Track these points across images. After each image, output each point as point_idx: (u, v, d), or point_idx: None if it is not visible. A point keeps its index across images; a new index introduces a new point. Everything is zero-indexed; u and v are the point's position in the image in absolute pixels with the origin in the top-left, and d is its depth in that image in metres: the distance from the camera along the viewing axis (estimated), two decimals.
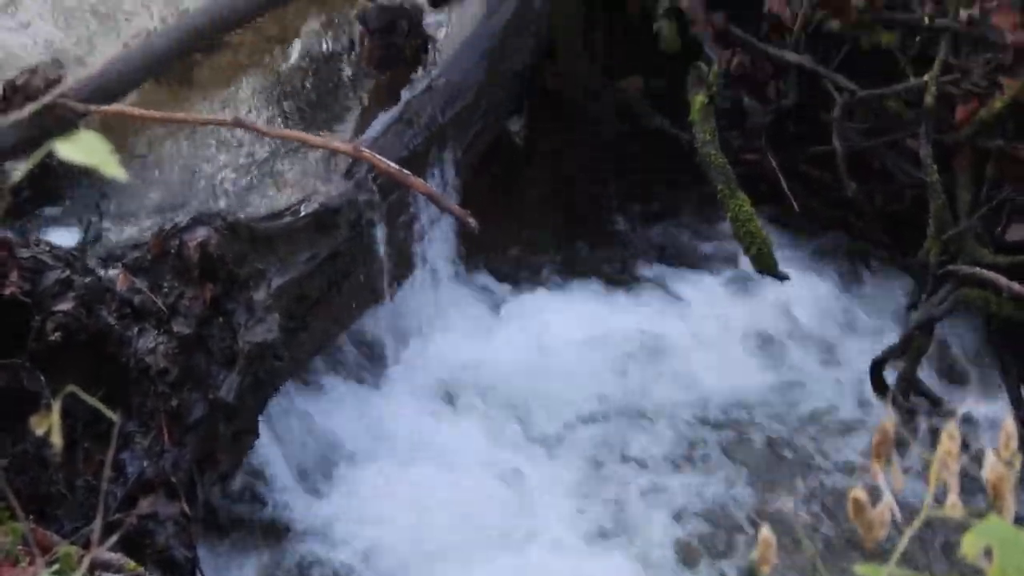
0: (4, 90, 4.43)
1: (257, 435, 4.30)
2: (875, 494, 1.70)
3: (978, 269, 4.65)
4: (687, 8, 5.04)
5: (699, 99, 4.96)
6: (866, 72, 4.99)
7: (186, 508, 3.95)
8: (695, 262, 5.34)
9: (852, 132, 5.00)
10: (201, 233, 4.16)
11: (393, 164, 4.38)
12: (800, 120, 5.14)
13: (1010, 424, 1.71)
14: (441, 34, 5.01)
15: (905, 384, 4.80)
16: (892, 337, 4.94)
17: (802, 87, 5.07)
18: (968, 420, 4.70)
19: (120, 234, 4.36)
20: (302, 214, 4.45)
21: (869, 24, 4.95)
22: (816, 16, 5.00)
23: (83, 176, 4.43)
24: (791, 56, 5.03)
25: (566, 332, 5.05)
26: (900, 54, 4.94)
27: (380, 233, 4.66)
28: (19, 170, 4.26)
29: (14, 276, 3.82)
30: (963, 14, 4.79)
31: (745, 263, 5.01)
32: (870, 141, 5.04)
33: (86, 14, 5.11)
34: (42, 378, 3.82)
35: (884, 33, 4.94)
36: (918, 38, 4.91)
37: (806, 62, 5.01)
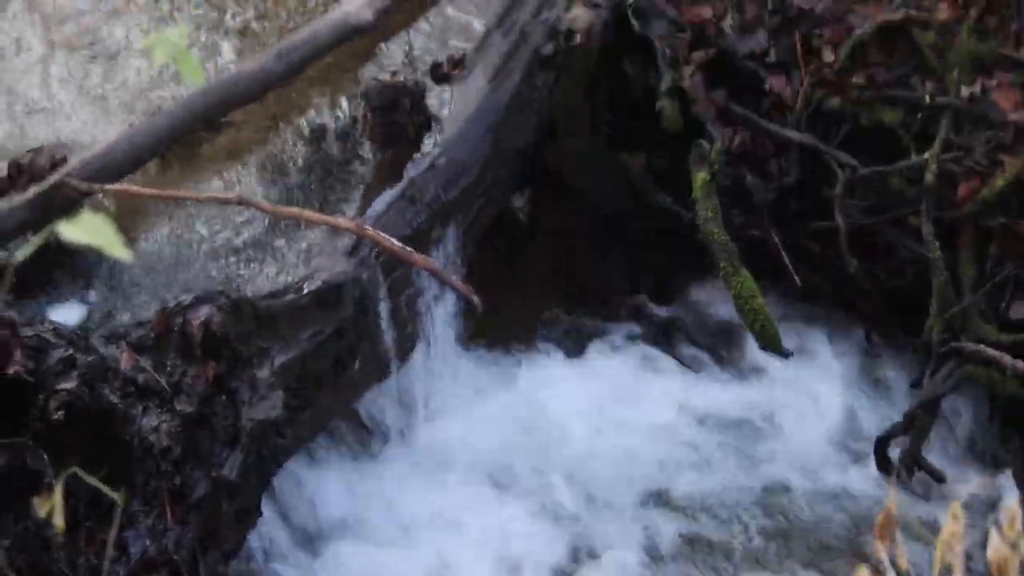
0: (8, 170, 4.45)
1: (260, 513, 4.29)
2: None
3: (982, 347, 4.64)
4: (689, 87, 5.06)
5: (701, 176, 4.98)
6: (868, 149, 5.00)
7: None
8: (699, 338, 5.33)
9: (854, 209, 5.01)
10: (204, 311, 4.17)
11: (396, 241, 4.39)
12: (802, 197, 5.14)
13: (1015, 504, 1.70)
14: (444, 111, 5.03)
15: (910, 461, 4.78)
16: (896, 414, 4.93)
17: (804, 164, 5.07)
18: (973, 499, 4.69)
19: (124, 312, 4.37)
20: (305, 291, 4.45)
21: (870, 102, 4.97)
22: (817, 94, 5.02)
23: (89, 253, 4.44)
24: (792, 134, 5.04)
25: (575, 407, 5.05)
26: (902, 131, 4.96)
27: (384, 309, 4.66)
28: (23, 250, 4.28)
29: (18, 355, 3.83)
30: (964, 92, 4.82)
31: (748, 340, 5.01)
32: (872, 218, 5.04)
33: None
34: (45, 457, 3.81)
35: (885, 111, 4.96)
36: (919, 115, 4.93)
37: (807, 139, 5.02)
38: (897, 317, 5.15)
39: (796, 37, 5.07)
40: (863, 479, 4.92)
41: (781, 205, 5.13)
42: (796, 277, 5.05)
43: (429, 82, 5.12)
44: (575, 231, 5.42)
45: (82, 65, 5.21)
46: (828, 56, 4.99)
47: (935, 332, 4.79)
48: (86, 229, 1.90)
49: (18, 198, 4.31)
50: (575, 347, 5.28)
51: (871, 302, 5.17)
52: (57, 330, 4.01)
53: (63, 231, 1.88)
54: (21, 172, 4.43)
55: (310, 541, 4.59)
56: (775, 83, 5.05)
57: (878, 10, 5.02)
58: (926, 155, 4.80)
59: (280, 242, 4.68)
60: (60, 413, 3.84)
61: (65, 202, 4.35)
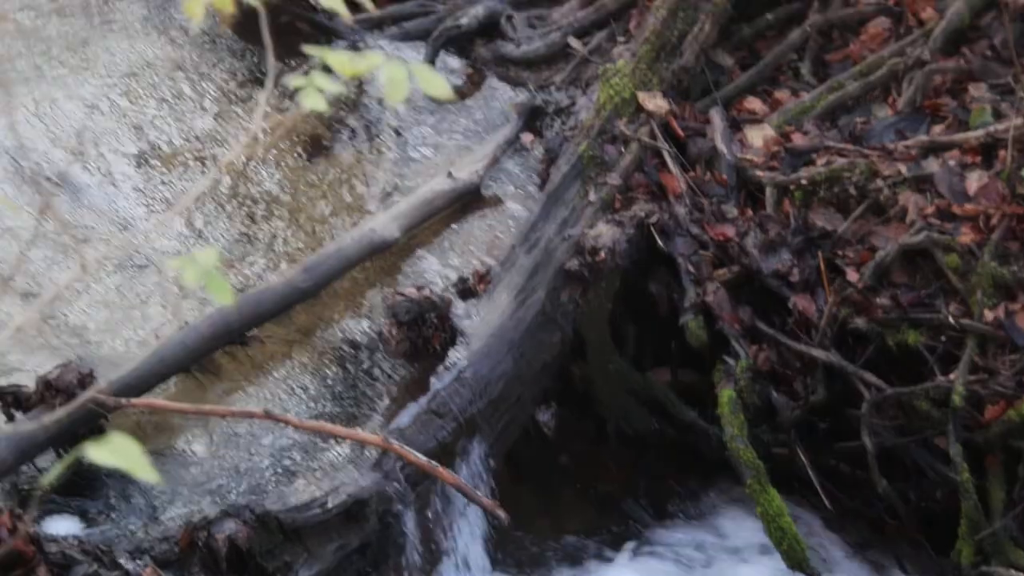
0: (37, 386, 4.49)
1: None
2: None
3: (1013, 572, 4.58)
4: (713, 303, 5.08)
5: (727, 393, 4.97)
6: (894, 369, 4.99)
7: None
8: (728, 560, 5.27)
9: (882, 428, 4.98)
10: (229, 526, 4.16)
11: (421, 455, 4.39)
12: (829, 415, 5.12)
13: None
14: (469, 325, 5.05)
15: None
16: None
17: (830, 383, 5.06)
18: None
19: (149, 526, 4.36)
20: (330, 506, 4.44)
21: (895, 322, 4.96)
22: (842, 314, 5.02)
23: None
24: (818, 353, 5.02)
25: None
26: (927, 352, 4.94)
27: (409, 524, 4.64)
28: (50, 474, 4.30)
29: (42, 572, 3.81)
30: (988, 315, 4.81)
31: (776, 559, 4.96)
32: (900, 438, 5.00)
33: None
34: None
35: (910, 332, 4.95)
36: (944, 337, 4.92)
37: (833, 359, 5.00)
38: (927, 538, 5.09)
39: (820, 257, 5.11)
40: None
41: (808, 423, 5.11)
42: (824, 497, 5.01)
43: (455, 297, 5.17)
44: (601, 447, 5.41)
45: (112, 281, 5.26)
46: (852, 276, 5.01)
47: (965, 555, 4.74)
48: (113, 451, 1.91)
49: (46, 417, 4.33)
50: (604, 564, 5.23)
51: (901, 522, 5.11)
52: (82, 545, 4.01)
53: (91, 454, 1.89)
54: (49, 388, 4.46)
55: None
56: (800, 302, 5.05)
57: (900, 232, 5.05)
58: (951, 376, 4.79)
59: (306, 456, 4.68)
60: None
61: (92, 417, 4.38)
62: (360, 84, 6.17)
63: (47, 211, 5.03)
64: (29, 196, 5.54)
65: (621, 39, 6.17)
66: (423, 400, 4.81)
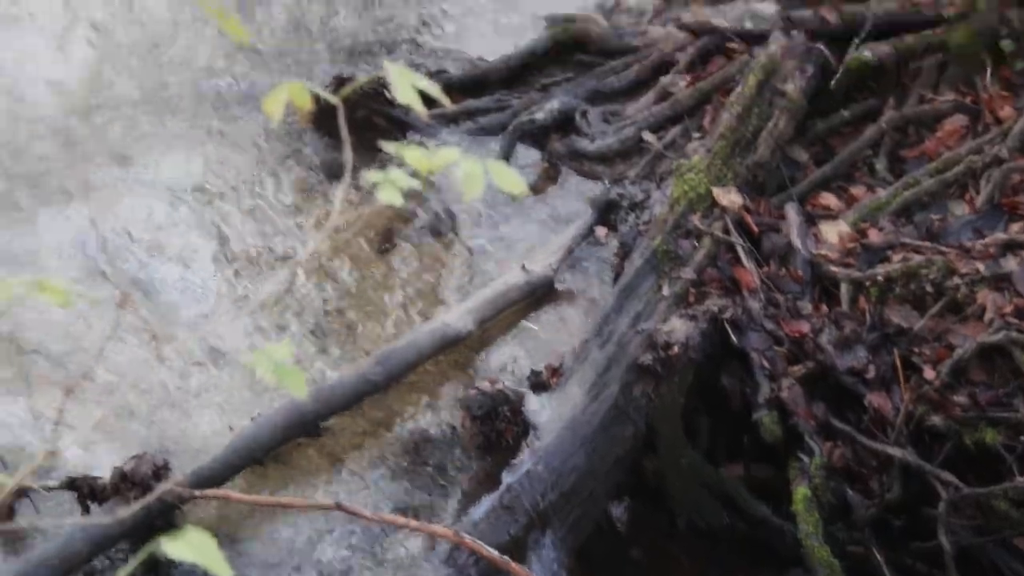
0: (112, 477, 4.52)
1: None
2: None
3: None
4: (787, 399, 5.05)
5: (802, 491, 4.92)
6: (972, 467, 4.93)
7: None
8: None
9: (959, 528, 4.91)
10: None
11: (493, 550, 4.37)
12: (906, 513, 5.06)
13: None
14: (542, 419, 5.04)
15: None
16: None
17: (907, 481, 5.01)
18: None
19: None
20: None
21: (972, 421, 4.91)
22: (918, 411, 4.97)
23: None
24: (894, 451, 4.97)
25: None
26: (1005, 452, 4.87)
27: None
28: (124, 570, 4.31)
29: None
30: None
31: None
32: (978, 538, 4.93)
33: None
34: None
35: (987, 430, 4.90)
36: (1022, 437, 4.86)
37: (909, 457, 4.95)
38: None
39: (895, 354, 5.07)
40: None
41: (884, 521, 5.05)
42: None
43: (528, 390, 5.16)
44: (673, 541, 5.37)
45: (190, 375, 5.30)
46: (929, 374, 4.97)
47: None
48: (190, 547, 1.91)
49: (121, 510, 4.36)
50: None
51: None
52: None
53: (168, 549, 1.89)
54: (124, 479, 4.49)
55: None
56: (875, 399, 5.01)
57: (978, 330, 5.01)
58: None
59: (378, 549, 4.67)
60: None
61: (167, 509, 4.41)
62: (436, 179, 6.21)
63: (125, 304, 5.08)
64: (108, 293, 5.59)
65: (696, 134, 6.19)
66: (495, 494, 4.79)
